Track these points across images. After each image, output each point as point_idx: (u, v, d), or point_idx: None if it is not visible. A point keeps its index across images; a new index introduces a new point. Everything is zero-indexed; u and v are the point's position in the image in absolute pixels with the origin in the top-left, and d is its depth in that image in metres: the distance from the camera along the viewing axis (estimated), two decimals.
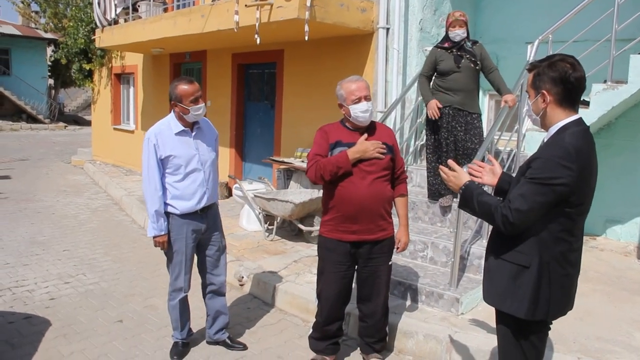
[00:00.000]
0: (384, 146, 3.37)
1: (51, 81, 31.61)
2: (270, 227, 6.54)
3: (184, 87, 3.53)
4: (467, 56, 5.08)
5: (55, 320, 4.38)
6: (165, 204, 3.62)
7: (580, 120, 2.31)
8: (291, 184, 7.17)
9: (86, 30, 12.80)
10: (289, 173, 7.32)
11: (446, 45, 5.15)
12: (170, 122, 3.63)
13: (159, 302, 4.78)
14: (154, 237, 3.62)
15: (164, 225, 3.60)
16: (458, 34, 5.04)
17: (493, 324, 3.99)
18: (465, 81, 5.10)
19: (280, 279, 5.00)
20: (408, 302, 4.42)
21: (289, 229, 6.65)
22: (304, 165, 6.85)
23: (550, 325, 2.56)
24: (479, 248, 4.70)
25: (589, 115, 5.01)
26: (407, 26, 6.36)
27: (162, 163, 3.58)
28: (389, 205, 3.49)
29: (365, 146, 3.32)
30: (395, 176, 3.55)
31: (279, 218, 6.43)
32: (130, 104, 12.84)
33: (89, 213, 8.40)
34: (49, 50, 29.59)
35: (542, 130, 2.44)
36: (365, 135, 3.38)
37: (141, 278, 5.46)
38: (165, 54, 10.55)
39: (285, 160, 7.34)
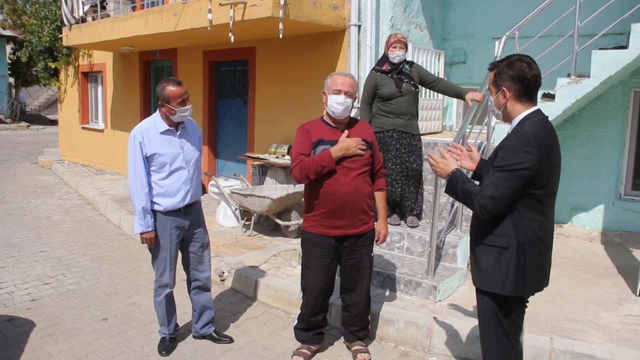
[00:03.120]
0: (364, 143, 3.49)
1: (11, 80, 30.78)
2: (247, 223, 6.62)
3: (172, 89, 3.59)
4: (406, 80, 5.11)
5: (39, 321, 4.38)
6: (151, 202, 3.68)
7: (538, 111, 2.56)
8: (266, 179, 7.25)
9: (51, 28, 12.59)
10: (264, 169, 7.40)
11: (385, 68, 5.13)
12: (155, 121, 3.69)
13: (142, 299, 4.83)
14: (141, 234, 3.67)
15: (150, 222, 3.66)
16: (398, 55, 5.04)
17: (469, 309, 4.21)
18: (407, 104, 5.14)
19: (261, 273, 5.09)
20: (387, 291, 4.57)
21: (266, 224, 6.74)
22: (279, 161, 6.95)
23: (527, 303, 2.74)
24: (454, 237, 4.89)
25: (554, 108, 5.22)
26: (379, 23, 6.49)
27: (147, 161, 3.64)
28: (370, 200, 3.62)
29: (347, 144, 3.42)
30: (375, 171, 3.67)
31: (256, 214, 6.52)
32: (98, 103, 12.69)
33: (62, 213, 8.32)
34: (8, 48, 28.80)
35: (507, 123, 2.67)
36: (347, 132, 3.49)
37: (121, 276, 5.48)
38: (134, 51, 10.48)
39: (260, 156, 7.42)
